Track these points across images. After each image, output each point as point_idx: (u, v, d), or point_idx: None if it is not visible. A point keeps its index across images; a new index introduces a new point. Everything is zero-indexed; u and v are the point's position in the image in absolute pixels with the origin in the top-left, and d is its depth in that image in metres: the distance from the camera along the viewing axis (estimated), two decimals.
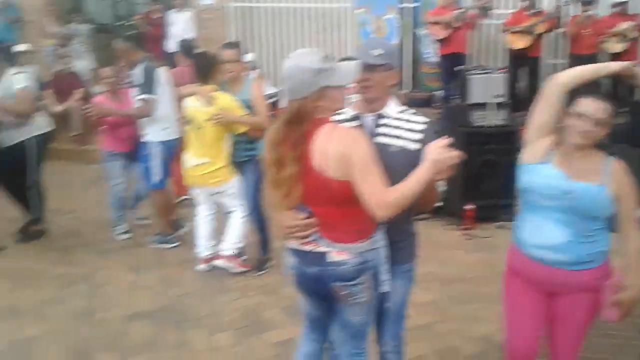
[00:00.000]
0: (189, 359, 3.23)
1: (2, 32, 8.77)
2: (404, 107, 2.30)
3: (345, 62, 2.07)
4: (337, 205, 2.06)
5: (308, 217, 2.09)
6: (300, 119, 2.01)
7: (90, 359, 3.21)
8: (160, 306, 3.83)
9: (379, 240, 2.17)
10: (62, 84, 7.94)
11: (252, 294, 4.04)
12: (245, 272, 4.29)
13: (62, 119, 7.96)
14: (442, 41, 7.54)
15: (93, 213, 5.68)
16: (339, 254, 2.08)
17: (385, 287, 2.21)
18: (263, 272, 4.32)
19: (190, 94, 4.14)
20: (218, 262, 4.31)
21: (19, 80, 4.73)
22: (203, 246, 4.37)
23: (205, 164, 4.10)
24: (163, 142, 4.61)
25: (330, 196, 2.03)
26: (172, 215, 4.95)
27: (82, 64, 8.62)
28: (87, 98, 8.09)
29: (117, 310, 3.77)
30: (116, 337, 3.45)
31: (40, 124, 5.02)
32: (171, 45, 8.15)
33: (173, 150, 4.68)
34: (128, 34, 8.19)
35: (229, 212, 4.31)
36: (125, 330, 3.53)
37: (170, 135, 4.63)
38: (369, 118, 2.23)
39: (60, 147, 7.88)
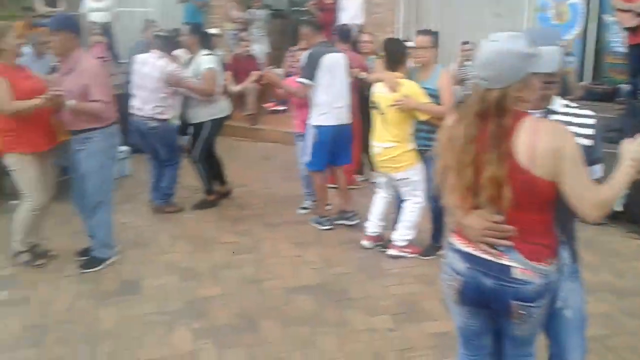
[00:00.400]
0: (347, 336, 3.30)
1: (190, 16, 9.61)
2: (566, 102, 2.12)
3: (547, 48, 1.92)
4: (537, 210, 1.89)
5: (503, 222, 1.90)
6: (501, 111, 1.82)
7: (256, 324, 3.43)
8: (320, 282, 3.97)
9: (563, 257, 2.00)
10: (240, 66, 8.52)
11: (410, 281, 4.03)
12: (412, 257, 4.33)
13: (237, 99, 8.55)
14: (631, 30, 6.78)
15: (261, 188, 6.05)
16: (524, 272, 1.89)
17: (560, 302, 2.07)
18: (428, 257, 4.32)
19: (377, 80, 4.23)
20: (390, 252, 4.37)
21: (207, 61, 5.14)
22: (372, 223, 4.49)
23: (388, 149, 4.18)
24: (318, 127, 4.75)
25: (533, 198, 1.86)
26: (326, 199, 5.06)
27: (259, 48, 9.15)
28: (261, 80, 8.61)
29: (280, 282, 3.98)
30: (279, 307, 3.65)
31: (223, 107, 5.41)
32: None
33: (328, 136, 4.74)
34: (303, 18, 8.54)
35: (404, 200, 4.33)
36: (287, 301, 3.72)
37: (326, 121, 4.72)
38: (537, 114, 2.02)
39: (234, 124, 8.50)
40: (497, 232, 1.90)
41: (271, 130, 8.25)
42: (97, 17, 9.25)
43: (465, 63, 7.55)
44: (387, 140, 4.18)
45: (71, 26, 3.87)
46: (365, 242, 4.53)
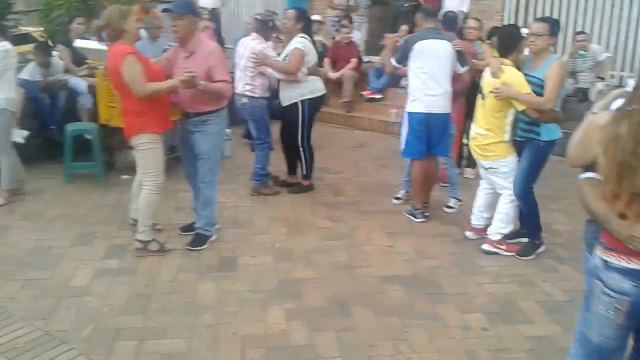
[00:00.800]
0: (439, 331, 3.25)
1: (294, 2, 9.74)
2: None
3: None
4: None
5: None
6: None
7: (347, 309, 3.45)
8: (413, 274, 3.93)
9: None
10: (339, 52, 8.54)
11: (505, 281, 3.89)
12: (507, 255, 4.20)
13: (335, 86, 8.60)
14: None
15: (356, 175, 6.06)
16: None
17: None
18: (529, 257, 4.17)
19: (486, 65, 4.15)
20: (484, 246, 4.29)
21: (296, 42, 5.21)
22: (475, 215, 4.44)
23: (481, 136, 4.12)
24: (409, 114, 4.74)
25: None
26: (425, 191, 4.96)
27: (358, 35, 9.12)
28: (359, 68, 8.61)
29: (373, 270, 3.98)
30: (371, 295, 3.65)
31: (314, 88, 5.37)
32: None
33: (418, 123, 4.67)
34: (405, 5, 8.41)
35: (500, 193, 4.22)
36: (379, 290, 3.71)
37: (416, 107, 4.67)
38: None
39: (331, 111, 8.58)
40: None
41: (367, 118, 8.24)
42: (206, 2, 9.61)
43: (580, 54, 7.11)
44: (482, 127, 4.12)
45: (194, 10, 4.05)
46: (468, 233, 4.50)
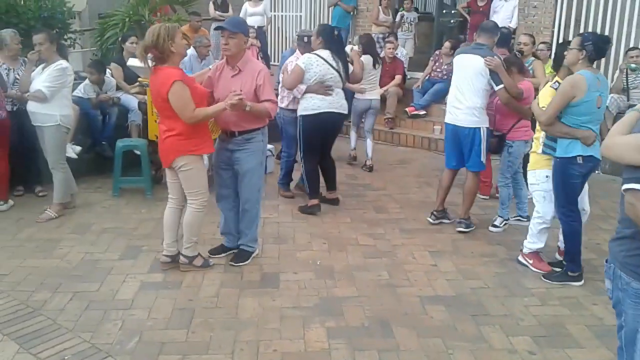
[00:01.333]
0: (484, 354, 3.17)
1: (339, 20, 9.84)
2: None
3: None
4: None
5: None
6: None
7: (390, 329, 3.40)
8: (456, 294, 3.85)
9: None
10: (384, 68, 8.52)
11: (554, 303, 3.77)
12: (542, 274, 4.13)
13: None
14: None
15: (398, 192, 6.02)
16: None
17: None
18: (564, 283, 4.03)
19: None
20: (518, 257, 4.34)
21: (301, 58, 5.36)
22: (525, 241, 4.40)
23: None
24: (445, 124, 5.05)
25: None
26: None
27: (404, 51, 9.11)
28: (403, 84, 8.58)
29: (415, 289, 3.92)
30: (414, 314, 3.59)
31: (308, 106, 5.23)
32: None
33: (447, 134, 5.01)
34: (452, 22, 8.35)
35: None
36: (422, 310, 3.65)
37: (446, 118, 4.99)
38: None
39: (374, 127, 8.55)
40: None
41: (410, 134, 8.18)
42: (252, 20, 9.81)
43: (631, 68, 6.89)
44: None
45: (245, 29, 4.11)
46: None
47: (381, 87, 8.40)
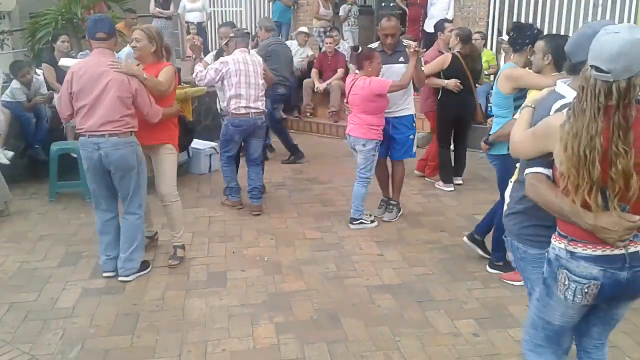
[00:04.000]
0: (430, 339, 3.23)
1: (279, 14, 9.80)
2: None
3: None
4: None
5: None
6: (628, 102, 1.83)
7: (338, 321, 3.42)
8: (402, 282, 3.92)
9: None
10: (326, 63, 8.57)
11: (495, 285, 3.89)
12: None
13: (322, 96, 8.62)
14: None
15: (345, 185, 6.04)
16: None
17: None
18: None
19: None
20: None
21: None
22: None
23: None
24: None
25: None
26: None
27: (346, 45, 9.15)
28: (345, 77, 8.63)
29: (362, 280, 3.96)
30: (362, 304, 3.63)
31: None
32: (429, 25, 8.18)
33: None
34: (390, 14, 8.45)
35: None
36: (370, 300, 3.69)
37: None
38: None
39: (318, 121, 8.59)
40: (635, 229, 1.93)
41: None
42: (192, 17, 9.64)
43: None
44: None
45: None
46: None
47: (324, 80, 8.47)
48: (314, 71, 8.59)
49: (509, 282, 3.91)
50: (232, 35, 5.26)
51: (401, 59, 4.78)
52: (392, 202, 5.15)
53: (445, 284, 3.90)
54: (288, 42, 8.80)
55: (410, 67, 4.63)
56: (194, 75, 5.09)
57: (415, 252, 4.42)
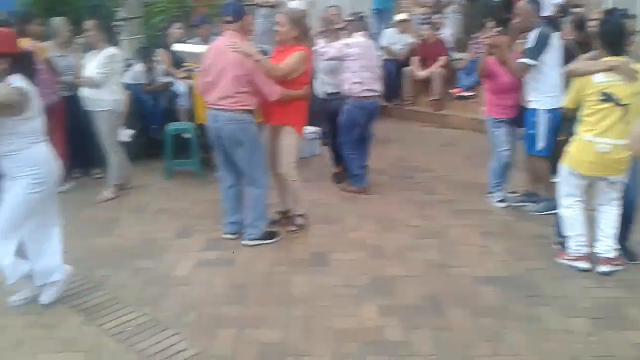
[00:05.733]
0: (540, 334, 3.13)
1: (381, 1, 9.72)
2: None
3: None
4: None
5: None
6: None
7: (442, 309, 3.40)
8: (509, 275, 3.81)
9: None
10: (428, 50, 8.43)
11: (610, 285, 3.68)
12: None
13: (423, 84, 8.50)
14: None
15: (447, 174, 5.96)
16: None
17: None
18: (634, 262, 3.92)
19: (604, 68, 3.63)
20: (601, 268, 3.81)
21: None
22: (604, 244, 3.87)
23: (622, 146, 3.55)
24: (549, 110, 4.46)
25: None
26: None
27: (449, 32, 8.95)
28: (448, 65, 8.46)
29: (467, 270, 3.89)
30: (467, 295, 3.57)
31: None
32: (545, 9, 7.76)
33: (559, 119, 4.45)
34: (496, 0, 8.13)
35: (602, 205, 3.89)
36: (475, 290, 3.63)
37: (556, 103, 4.35)
38: None
39: (419, 109, 8.49)
40: None
41: (456, 116, 8.07)
42: (295, 4, 9.78)
43: None
44: (621, 138, 3.55)
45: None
46: (604, 268, 3.82)
47: (425, 68, 8.34)
48: (414, 59, 8.47)
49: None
50: (350, 18, 5.35)
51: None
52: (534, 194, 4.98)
53: (557, 280, 3.75)
54: (387, 30, 8.73)
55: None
56: (314, 48, 5.11)
57: (523, 245, 4.27)
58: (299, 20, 4.17)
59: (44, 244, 3.36)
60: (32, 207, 3.21)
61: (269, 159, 4.38)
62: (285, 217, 4.67)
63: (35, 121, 3.17)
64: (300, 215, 4.54)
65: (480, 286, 3.67)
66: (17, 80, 3.06)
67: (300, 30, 4.17)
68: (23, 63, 3.18)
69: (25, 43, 4.54)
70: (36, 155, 3.18)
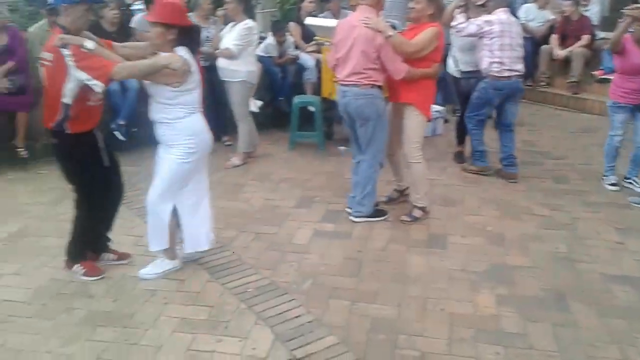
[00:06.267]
0: None
1: None
2: None
3: None
4: None
5: None
6: None
7: (566, 304, 3.21)
8: None
9: None
10: (570, 28, 7.83)
11: None
12: None
13: (562, 64, 7.94)
14: None
15: (583, 162, 5.57)
16: None
17: None
18: None
19: None
20: None
21: None
22: None
23: None
24: None
25: None
26: None
27: (596, 9, 8.25)
28: (592, 45, 7.80)
29: (597, 266, 3.63)
30: (596, 292, 3.34)
31: None
32: None
33: None
34: None
35: None
36: (605, 288, 3.38)
37: None
38: None
39: (555, 92, 7.96)
40: None
41: (596, 100, 7.45)
42: None
43: None
44: None
45: None
46: None
47: (565, 47, 7.76)
48: (554, 37, 7.91)
49: None
50: None
51: None
52: None
53: None
54: (526, 5, 8.21)
55: None
56: (453, 23, 4.96)
57: None
58: None
59: (195, 212, 3.49)
60: (185, 175, 3.38)
61: (389, 139, 4.33)
62: (403, 195, 4.63)
63: (194, 93, 3.31)
64: (421, 208, 4.36)
65: (612, 285, 3.42)
66: (183, 52, 3.17)
67: (436, 8, 4.05)
68: (190, 36, 3.27)
69: None
70: (192, 125, 3.34)
